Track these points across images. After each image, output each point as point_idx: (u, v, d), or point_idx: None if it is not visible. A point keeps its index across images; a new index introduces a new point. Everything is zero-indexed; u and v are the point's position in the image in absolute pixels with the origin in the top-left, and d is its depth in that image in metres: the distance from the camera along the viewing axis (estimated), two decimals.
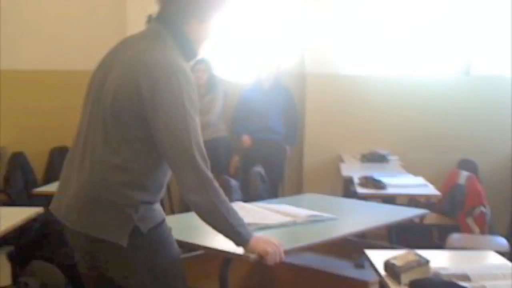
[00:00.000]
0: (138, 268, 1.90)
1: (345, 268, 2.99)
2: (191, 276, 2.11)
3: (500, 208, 5.07)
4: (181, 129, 1.82)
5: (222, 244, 2.16)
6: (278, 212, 2.82)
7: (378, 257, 2.27)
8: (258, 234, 2.09)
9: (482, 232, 4.24)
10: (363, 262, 2.73)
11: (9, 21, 5.68)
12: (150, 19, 2.00)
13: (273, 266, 2.07)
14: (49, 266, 2.67)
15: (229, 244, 2.03)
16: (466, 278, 2.00)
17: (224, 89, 5.70)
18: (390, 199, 4.21)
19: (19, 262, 3.30)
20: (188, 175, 1.84)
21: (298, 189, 5.85)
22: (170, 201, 5.40)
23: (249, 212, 2.67)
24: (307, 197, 3.98)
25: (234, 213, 1.94)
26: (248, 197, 4.42)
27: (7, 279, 3.40)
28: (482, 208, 4.28)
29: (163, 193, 1.99)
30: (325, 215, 2.82)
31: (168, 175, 1.98)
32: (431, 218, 4.50)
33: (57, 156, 5.77)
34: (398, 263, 2.09)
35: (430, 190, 4.18)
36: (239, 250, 2.06)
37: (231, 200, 2.07)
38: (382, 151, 5.53)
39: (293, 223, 2.68)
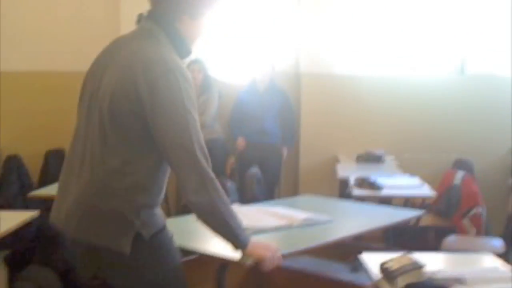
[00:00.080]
0: (140, 276, 1.87)
1: (340, 272, 2.99)
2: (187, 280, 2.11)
3: (495, 208, 5.08)
4: (181, 127, 1.80)
5: (218, 249, 2.15)
6: (274, 215, 2.81)
7: (374, 260, 2.28)
8: (256, 239, 2.07)
9: (479, 232, 4.25)
10: (359, 265, 2.73)
11: (3, 23, 5.65)
12: (141, 17, 1.98)
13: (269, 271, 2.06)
14: (45, 271, 2.67)
15: (226, 249, 2.02)
16: (461, 281, 2.00)
17: (219, 90, 5.69)
18: (386, 200, 4.22)
19: (14, 267, 3.29)
20: (190, 175, 1.81)
21: (294, 190, 5.85)
22: (167, 204, 5.39)
23: (245, 215, 2.66)
24: (302, 198, 3.98)
25: (234, 215, 1.92)
26: (244, 199, 4.42)
27: (3, 284, 3.39)
28: (478, 209, 4.29)
29: (163, 194, 1.96)
30: (321, 217, 2.82)
31: (167, 175, 1.95)
32: (427, 219, 4.51)
33: (53, 159, 5.75)
34: (393, 266, 2.09)
35: (426, 191, 4.19)
36: (236, 255, 2.04)
37: None
38: (377, 152, 5.53)
39: (289, 227, 2.67)
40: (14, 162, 5.61)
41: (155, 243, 1.89)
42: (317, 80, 5.90)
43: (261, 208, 2.97)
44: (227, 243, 1.95)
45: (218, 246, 2.10)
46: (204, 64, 5.60)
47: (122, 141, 1.83)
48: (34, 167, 5.72)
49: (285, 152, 5.74)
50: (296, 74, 6.00)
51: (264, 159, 5.52)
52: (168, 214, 5.34)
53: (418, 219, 3.88)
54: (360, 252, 2.46)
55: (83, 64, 2.24)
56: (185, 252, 2.35)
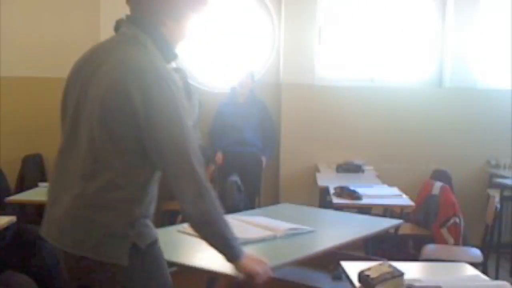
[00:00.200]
0: None
1: (322, 280, 2.99)
2: None
3: (473, 219, 5.14)
4: (177, 137, 1.76)
5: (206, 262, 2.14)
6: (257, 225, 2.82)
7: (354, 268, 2.28)
8: (247, 251, 2.01)
9: (457, 242, 4.29)
10: (341, 274, 2.74)
11: None
12: (120, 23, 1.90)
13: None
14: (22, 277, 2.63)
15: (215, 263, 1.99)
16: None
17: (199, 98, 5.70)
18: (366, 209, 4.24)
19: None
20: (186, 185, 1.77)
21: (274, 198, 5.86)
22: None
23: None
24: (283, 207, 3.98)
25: (229, 226, 1.88)
26: (225, 207, 4.39)
27: None
28: (456, 219, 4.33)
29: (155, 204, 1.91)
30: (304, 227, 2.84)
31: (157, 182, 1.90)
32: (406, 228, 4.54)
33: (30, 164, 5.70)
34: (372, 274, 2.10)
35: (405, 200, 4.22)
36: (226, 269, 2.00)
37: None
38: (357, 161, 5.57)
39: (273, 237, 2.68)
40: None
41: (151, 254, 1.84)
42: (298, 90, 5.93)
43: (244, 219, 2.97)
44: (220, 254, 1.91)
45: (204, 259, 2.09)
46: (184, 72, 5.60)
47: (114, 154, 1.77)
48: (11, 172, 5.65)
49: (264, 160, 5.76)
50: (277, 84, 6.02)
51: (244, 168, 5.53)
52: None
53: (397, 228, 3.91)
54: (340, 260, 2.46)
55: (61, 70, 2.19)
56: (170, 265, 2.32)
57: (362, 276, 2.13)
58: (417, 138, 5.97)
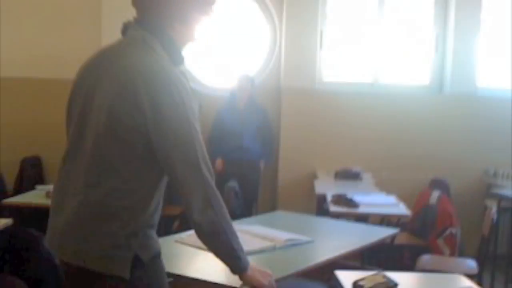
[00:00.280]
0: None
1: None
2: None
3: (470, 229, 5.13)
4: (187, 144, 1.72)
5: (204, 275, 2.15)
6: (256, 236, 2.81)
7: (348, 278, 2.28)
8: (252, 263, 1.97)
9: (452, 253, 4.28)
10: (337, 284, 2.73)
11: None
12: (127, 26, 1.86)
13: None
14: (16, 281, 2.62)
15: (212, 274, 1.99)
16: None
17: (199, 101, 5.69)
18: (363, 218, 4.24)
19: None
20: (196, 192, 1.74)
21: (272, 205, 5.85)
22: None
23: None
24: (279, 215, 3.98)
25: (236, 236, 1.83)
26: None
27: None
28: (452, 230, 4.33)
29: (159, 212, 1.86)
30: (302, 238, 2.84)
31: (163, 191, 1.86)
32: (402, 238, 4.53)
33: (29, 166, 5.70)
34: (366, 285, 2.11)
35: (402, 209, 4.22)
36: (223, 280, 2.00)
37: None
38: (355, 169, 5.57)
39: (273, 248, 2.68)
40: None
41: (153, 268, 1.80)
42: (298, 94, 5.92)
43: (243, 229, 2.96)
44: (226, 265, 1.87)
45: (200, 270, 2.08)
46: (186, 75, 5.60)
47: (121, 160, 1.72)
48: (9, 174, 5.65)
49: (262, 165, 5.76)
50: (277, 88, 6.02)
51: (243, 175, 5.52)
52: None
53: (393, 237, 3.90)
54: (335, 270, 2.46)
55: (62, 72, 2.19)
56: (167, 275, 2.30)
57: (356, 286, 2.14)
58: (416, 146, 5.96)
